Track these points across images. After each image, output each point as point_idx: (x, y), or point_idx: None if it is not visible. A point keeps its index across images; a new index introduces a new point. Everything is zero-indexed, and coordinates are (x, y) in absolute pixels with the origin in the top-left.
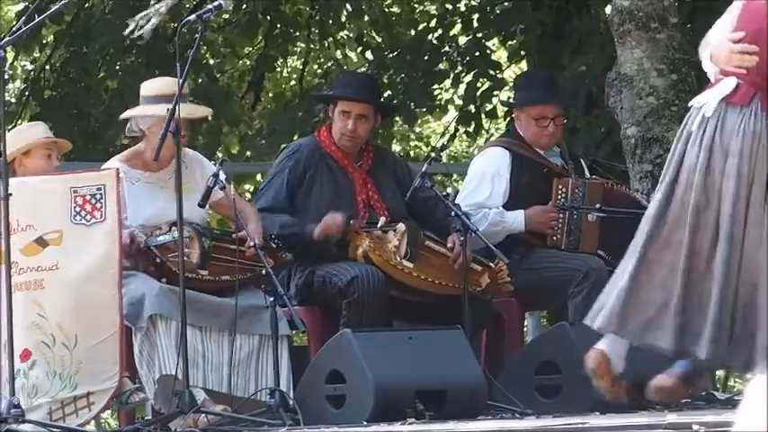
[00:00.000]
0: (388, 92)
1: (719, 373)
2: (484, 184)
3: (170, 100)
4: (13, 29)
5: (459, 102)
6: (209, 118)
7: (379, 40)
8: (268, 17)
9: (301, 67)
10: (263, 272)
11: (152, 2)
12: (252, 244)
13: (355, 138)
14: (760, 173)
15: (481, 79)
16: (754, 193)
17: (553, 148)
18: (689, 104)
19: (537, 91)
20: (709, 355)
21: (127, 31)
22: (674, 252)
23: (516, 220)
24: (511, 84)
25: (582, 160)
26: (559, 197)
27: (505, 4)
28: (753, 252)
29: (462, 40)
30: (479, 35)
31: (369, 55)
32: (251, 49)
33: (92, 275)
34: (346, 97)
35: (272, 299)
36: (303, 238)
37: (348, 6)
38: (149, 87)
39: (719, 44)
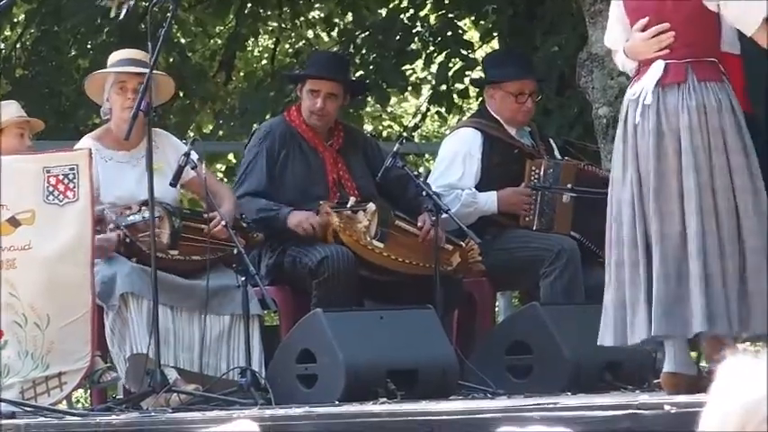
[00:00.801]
0: (360, 72)
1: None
2: (455, 164)
3: (135, 63)
4: None
5: (432, 81)
6: (181, 95)
7: (350, 19)
8: None
9: (273, 46)
10: (235, 251)
11: None
12: (223, 223)
13: (324, 116)
14: (716, 142)
15: (453, 59)
16: (716, 163)
17: (524, 127)
18: (625, 99)
19: (513, 67)
20: (703, 329)
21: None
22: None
23: (489, 201)
24: None
25: (552, 141)
26: (532, 178)
27: None
28: (729, 222)
29: (434, 19)
30: (451, 15)
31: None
32: (222, 28)
33: (64, 255)
34: (315, 75)
35: (243, 278)
36: (277, 223)
37: None
38: (114, 54)
39: (631, 41)
